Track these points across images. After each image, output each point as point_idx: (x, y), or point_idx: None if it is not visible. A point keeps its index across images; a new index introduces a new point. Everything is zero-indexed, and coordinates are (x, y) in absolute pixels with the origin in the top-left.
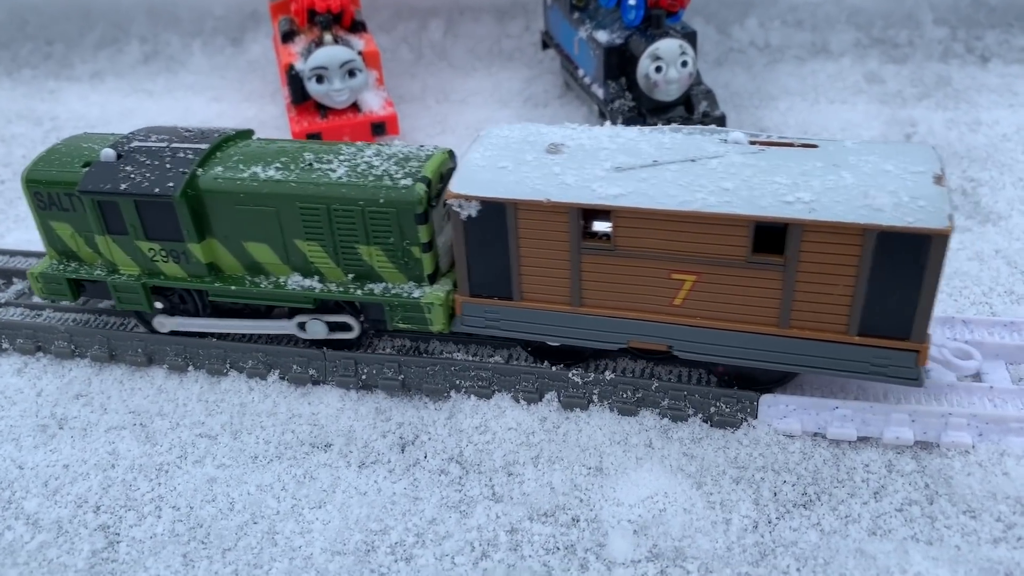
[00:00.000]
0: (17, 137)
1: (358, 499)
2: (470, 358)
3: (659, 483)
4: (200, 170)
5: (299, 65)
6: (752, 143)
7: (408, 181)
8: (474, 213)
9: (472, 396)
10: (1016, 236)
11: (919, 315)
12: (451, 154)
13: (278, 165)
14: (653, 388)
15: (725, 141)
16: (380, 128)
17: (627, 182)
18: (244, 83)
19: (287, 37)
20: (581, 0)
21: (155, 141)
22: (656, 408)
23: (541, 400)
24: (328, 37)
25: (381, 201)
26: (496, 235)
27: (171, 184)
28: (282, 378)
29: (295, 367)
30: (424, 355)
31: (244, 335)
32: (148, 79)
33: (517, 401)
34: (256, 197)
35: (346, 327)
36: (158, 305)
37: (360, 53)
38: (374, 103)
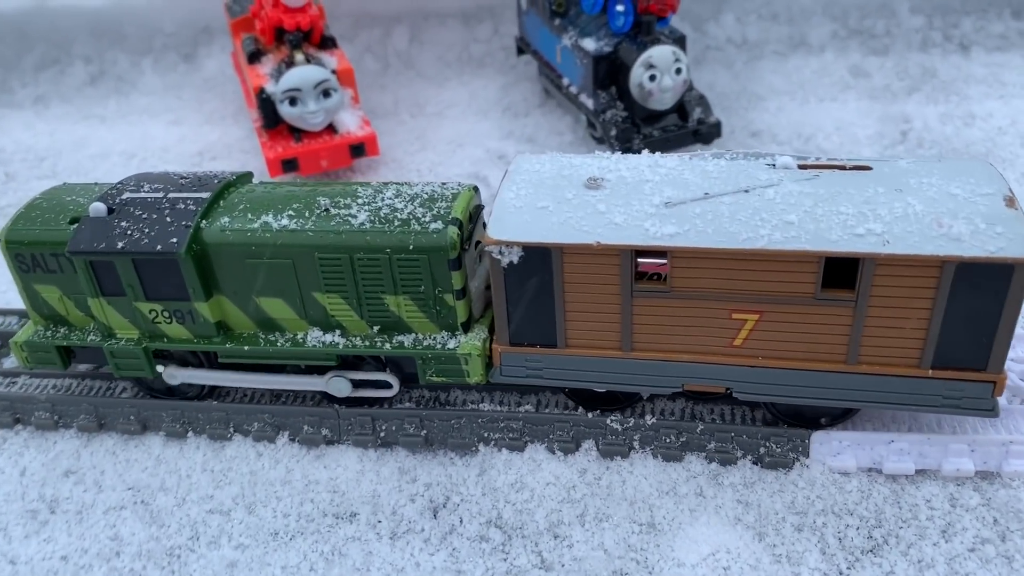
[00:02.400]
0: None
1: None
2: (498, 408)
3: (719, 537)
4: (204, 222)
5: (270, 88)
6: (802, 167)
7: (438, 224)
8: (515, 259)
9: (503, 449)
10: None
11: (997, 346)
12: (476, 190)
13: (291, 212)
14: (698, 431)
15: (774, 166)
16: (359, 150)
17: (681, 219)
18: (202, 103)
19: (253, 57)
20: (561, 6)
21: (149, 191)
22: (703, 452)
23: (578, 449)
24: (299, 56)
25: (411, 248)
26: (540, 281)
27: (174, 240)
28: (292, 440)
29: (306, 427)
30: (447, 407)
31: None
32: (98, 103)
33: (552, 452)
34: (270, 249)
35: (385, 385)
36: (160, 368)
37: (334, 71)
38: (351, 123)
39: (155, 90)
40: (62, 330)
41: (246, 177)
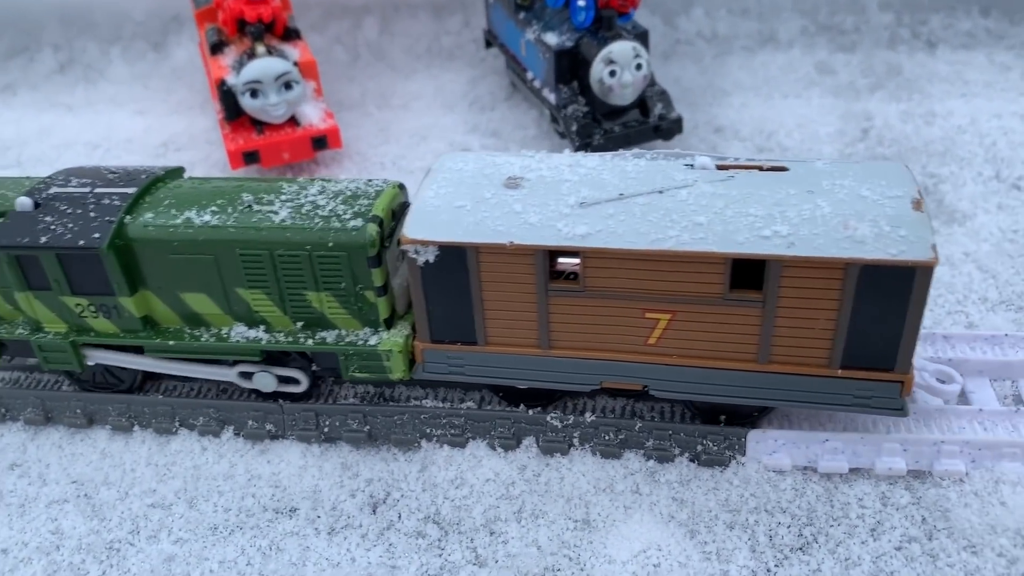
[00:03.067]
0: None
1: (331, 572)
2: (440, 404)
3: (651, 535)
4: (128, 217)
5: (231, 79)
6: (720, 167)
7: (358, 222)
8: (432, 258)
9: (445, 445)
10: (983, 237)
11: (903, 347)
12: (401, 187)
13: (214, 208)
14: (636, 428)
15: (692, 167)
16: (321, 142)
17: (594, 219)
18: (170, 93)
19: (216, 48)
20: (525, 0)
21: (76, 186)
22: (641, 449)
23: (519, 446)
24: (261, 48)
25: (330, 244)
26: (457, 280)
27: (97, 235)
28: (237, 435)
29: (251, 422)
30: (391, 403)
31: (194, 390)
32: (65, 91)
33: (493, 448)
34: (192, 245)
35: (293, 381)
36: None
37: (296, 64)
38: (313, 116)
39: (123, 79)
40: None
41: (176, 172)
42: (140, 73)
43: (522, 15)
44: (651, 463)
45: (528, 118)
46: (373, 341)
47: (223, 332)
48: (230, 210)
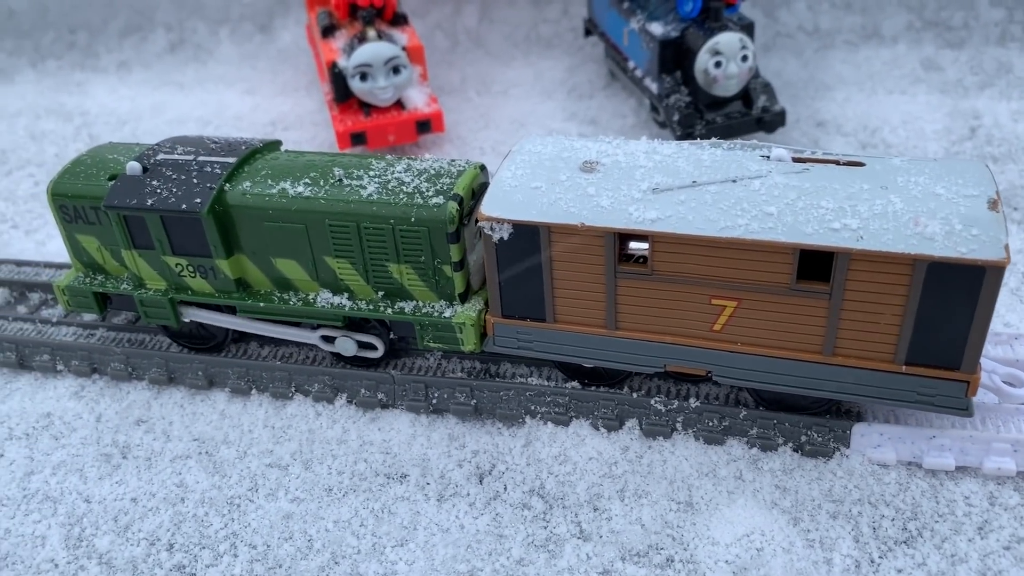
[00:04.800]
0: (48, 134)
1: (441, 537)
2: (546, 383)
3: (754, 520)
4: (228, 185)
5: (342, 62)
6: (796, 160)
7: (439, 199)
8: (506, 236)
9: (549, 422)
10: None
11: (970, 347)
12: (483, 168)
13: (307, 181)
14: (741, 416)
15: (767, 158)
16: (425, 126)
17: (665, 205)
18: (276, 74)
19: (327, 32)
20: None
21: (181, 153)
22: (744, 437)
23: (622, 428)
24: (372, 33)
25: (412, 220)
26: (529, 258)
27: (198, 200)
28: (350, 402)
29: (363, 391)
30: (497, 378)
31: (311, 359)
32: (176, 69)
33: (596, 428)
34: (285, 214)
35: (371, 347)
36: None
37: (404, 48)
38: (418, 100)
39: (231, 60)
40: (99, 278)
41: (274, 145)
42: (248, 54)
43: (626, 4)
44: (754, 451)
45: (627, 107)
46: (448, 313)
47: (310, 297)
48: (322, 183)
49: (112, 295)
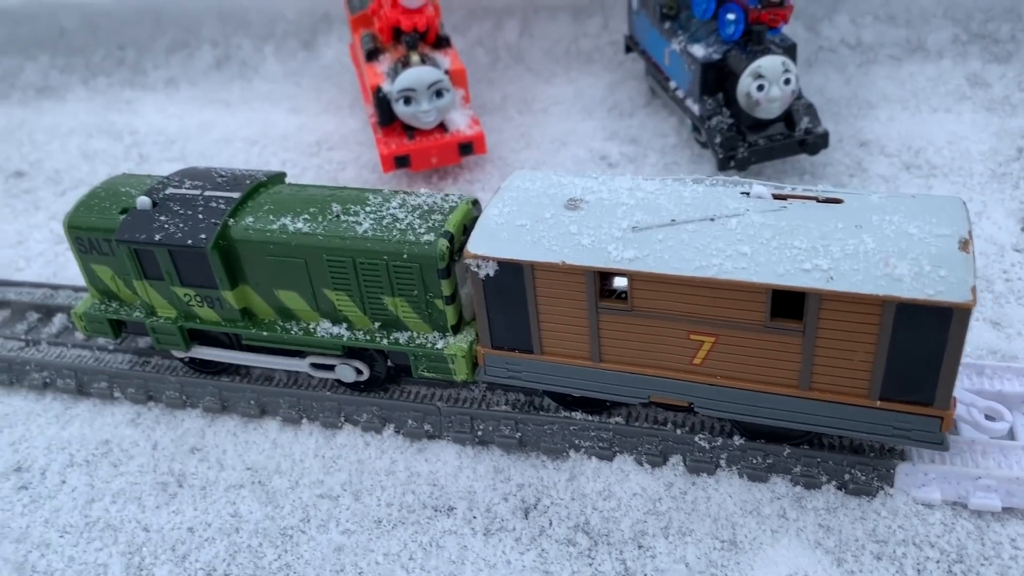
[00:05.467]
0: (99, 153)
1: (488, 572)
2: (589, 418)
3: (798, 560)
4: (232, 220)
5: (386, 87)
6: (776, 196)
7: (431, 236)
8: (492, 273)
9: (593, 457)
10: None
11: (942, 383)
12: (475, 203)
13: (306, 216)
14: (784, 454)
15: (747, 195)
16: (468, 148)
17: (643, 244)
18: (320, 92)
19: (371, 55)
20: (672, 9)
21: (189, 188)
22: (788, 475)
23: (665, 463)
24: (415, 57)
25: (404, 256)
26: (515, 293)
27: (203, 236)
28: (397, 432)
29: (410, 421)
30: (541, 412)
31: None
32: (223, 87)
33: (640, 464)
34: (285, 248)
35: (358, 371)
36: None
37: (447, 72)
38: (461, 122)
39: (276, 77)
40: (113, 305)
41: (278, 178)
42: (292, 71)
43: (668, 25)
44: (798, 488)
45: (668, 126)
46: (440, 344)
47: (311, 327)
48: (320, 219)
49: (127, 321)
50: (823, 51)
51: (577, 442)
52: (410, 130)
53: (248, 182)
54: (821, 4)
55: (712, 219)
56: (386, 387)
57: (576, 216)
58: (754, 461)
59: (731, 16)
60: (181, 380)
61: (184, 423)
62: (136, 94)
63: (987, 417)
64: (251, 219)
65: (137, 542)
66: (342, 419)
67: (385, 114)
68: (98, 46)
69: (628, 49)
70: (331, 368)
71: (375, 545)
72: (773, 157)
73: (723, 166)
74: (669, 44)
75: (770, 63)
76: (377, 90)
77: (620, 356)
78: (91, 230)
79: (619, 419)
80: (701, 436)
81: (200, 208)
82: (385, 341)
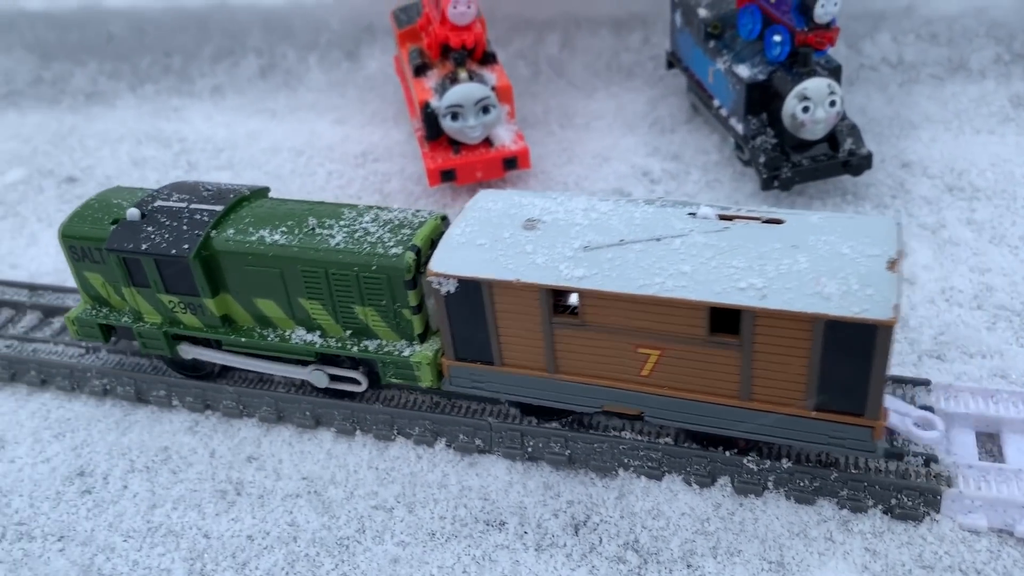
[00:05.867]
0: (149, 160)
1: None
2: (638, 437)
3: None
4: (214, 232)
5: (434, 102)
6: (722, 217)
7: (398, 249)
8: (452, 289)
9: (642, 476)
10: None
11: (871, 396)
12: (444, 219)
13: (284, 229)
14: (832, 477)
15: (694, 216)
16: (512, 163)
17: (593, 263)
18: (365, 103)
19: (420, 71)
20: (717, 28)
21: (176, 201)
22: (834, 498)
23: (714, 484)
24: (463, 74)
25: (373, 268)
26: (475, 308)
27: (186, 246)
28: (448, 446)
29: (462, 436)
30: (591, 431)
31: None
32: (268, 96)
33: (689, 484)
34: (263, 259)
35: (355, 381)
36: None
37: (493, 88)
38: (506, 137)
39: (320, 87)
40: (104, 310)
41: (261, 193)
42: (336, 81)
43: (712, 44)
44: (844, 512)
45: (710, 143)
46: (407, 352)
47: (286, 334)
48: (296, 232)
49: (116, 326)
50: (864, 69)
51: (626, 461)
52: (456, 144)
53: (232, 196)
54: (863, 22)
55: (658, 239)
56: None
57: (532, 236)
58: (801, 484)
59: (777, 38)
60: (238, 390)
61: (240, 432)
62: (183, 101)
63: (918, 426)
64: (232, 231)
65: (198, 548)
66: (395, 432)
67: (432, 129)
68: (145, 53)
69: (670, 65)
70: (353, 380)
71: (430, 558)
72: (816, 178)
73: (766, 186)
74: (713, 63)
75: (816, 85)
76: (425, 105)
77: (574, 367)
78: (84, 239)
79: (668, 440)
80: (749, 459)
81: (185, 220)
82: (356, 348)
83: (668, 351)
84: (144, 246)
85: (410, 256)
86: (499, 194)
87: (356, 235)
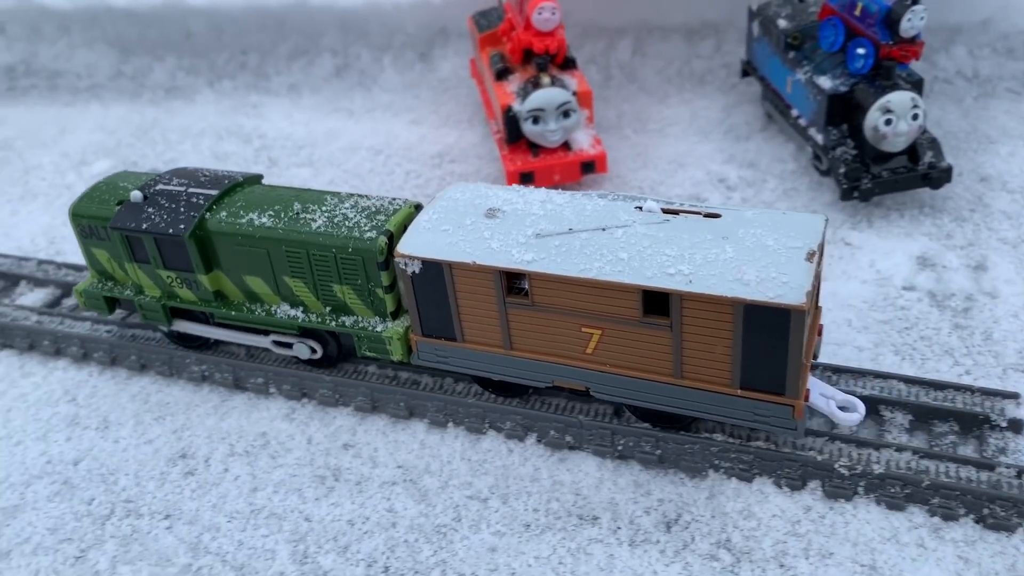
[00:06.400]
0: (231, 156)
1: None
2: (730, 439)
3: None
4: (208, 214)
5: (516, 106)
6: (666, 211)
7: (373, 233)
8: (418, 270)
9: (733, 478)
10: None
11: (789, 376)
12: (418, 207)
13: (271, 213)
14: (923, 485)
15: (640, 209)
16: (590, 167)
17: (542, 248)
18: (439, 105)
19: (501, 74)
20: (797, 39)
21: (176, 185)
22: (925, 505)
23: (804, 487)
24: (545, 79)
25: (350, 250)
26: (438, 288)
27: (183, 226)
28: (539, 441)
29: (552, 432)
30: (682, 431)
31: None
32: (344, 95)
33: (779, 487)
34: (251, 240)
35: (313, 350)
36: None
37: (575, 93)
38: (584, 141)
39: (395, 87)
40: (109, 284)
41: (255, 179)
42: (410, 82)
43: (792, 54)
44: (935, 519)
45: (786, 151)
46: (379, 328)
47: (272, 309)
48: (282, 215)
49: (119, 299)
50: (939, 82)
51: (717, 462)
52: (535, 147)
53: (227, 182)
54: (938, 35)
55: (604, 229)
56: (338, 365)
57: (492, 224)
58: (892, 490)
59: (861, 51)
60: (335, 380)
61: (336, 420)
62: (261, 98)
63: (842, 409)
64: (224, 213)
65: (301, 531)
66: (486, 425)
67: (513, 132)
68: (222, 50)
69: (745, 73)
70: (290, 346)
71: (526, 548)
72: (896, 190)
73: (846, 196)
74: (793, 73)
75: (899, 99)
76: (507, 109)
77: (527, 345)
78: (91, 218)
79: (760, 443)
80: (841, 464)
81: (183, 203)
82: (334, 323)
83: (608, 331)
84: (145, 225)
85: (382, 240)
86: (469, 186)
87: (336, 220)
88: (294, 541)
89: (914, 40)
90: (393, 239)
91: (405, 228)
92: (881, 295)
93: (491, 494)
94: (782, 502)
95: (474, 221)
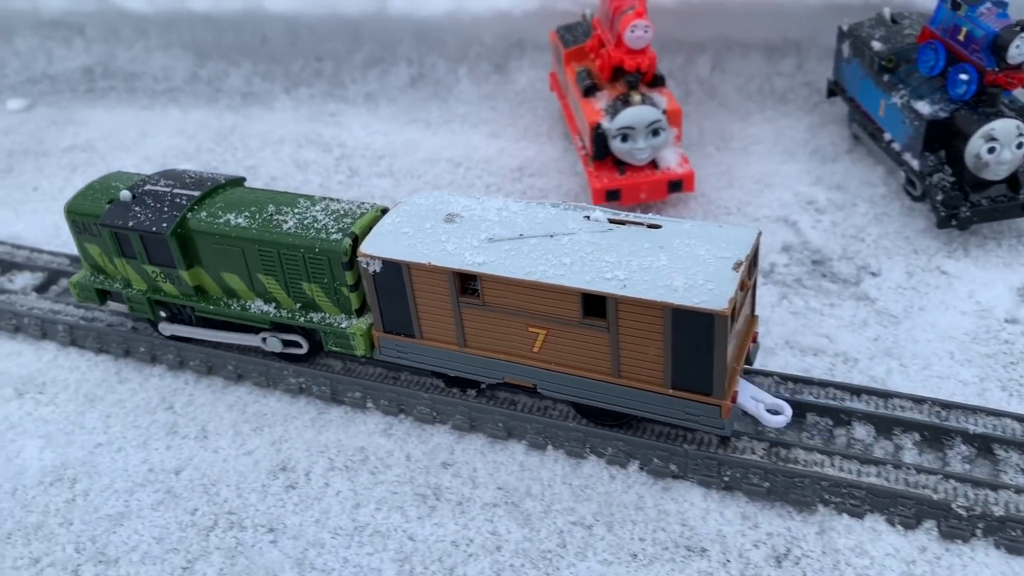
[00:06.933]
0: (311, 164)
1: None
2: (841, 474)
3: None
4: (190, 214)
5: (605, 124)
6: (612, 221)
7: (338, 235)
8: (379, 269)
9: (843, 514)
10: None
11: (716, 377)
12: (384, 211)
13: (247, 214)
14: None
15: (587, 218)
16: (677, 185)
17: (493, 252)
18: (516, 118)
19: (589, 91)
20: (891, 62)
21: (163, 186)
22: None
23: (919, 527)
24: (636, 97)
25: (316, 250)
26: (397, 287)
27: (165, 224)
28: (642, 469)
29: (656, 460)
30: (791, 463)
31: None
32: (420, 105)
33: (892, 525)
34: (227, 239)
35: (298, 345)
36: (163, 314)
37: (664, 112)
38: (671, 160)
39: (471, 99)
40: (100, 277)
41: (237, 182)
42: (486, 94)
43: (886, 77)
44: None
45: (875, 175)
46: (344, 324)
47: (247, 304)
48: (257, 216)
49: (109, 291)
50: None
51: (827, 497)
52: (621, 165)
53: (209, 184)
54: None
55: (551, 236)
56: (313, 359)
57: (449, 228)
58: (1013, 534)
59: (964, 76)
60: (433, 397)
61: (434, 438)
62: (339, 107)
63: (770, 412)
64: (204, 213)
65: (406, 550)
66: (587, 449)
67: (601, 150)
68: (297, 56)
69: (831, 93)
70: (296, 344)
71: None
72: (995, 218)
73: (943, 224)
74: (888, 97)
75: (1004, 126)
76: (596, 126)
77: (479, 343)
78: (84, 215)
79: (873, 479)
80: (958, 504)
81: (167, 202)
82: (303, 319)
83: (552, 331)
84: (131, 223)
85: (347, 241)
86: (433, 194)
87: (306, 222)
88: (399, 560)
89: (1020, 67)
90: (358, 240)
91: (371, 230)
92: (983, 327)
93: (595, 521)
94: (895, 541)
95: (433, 225)
